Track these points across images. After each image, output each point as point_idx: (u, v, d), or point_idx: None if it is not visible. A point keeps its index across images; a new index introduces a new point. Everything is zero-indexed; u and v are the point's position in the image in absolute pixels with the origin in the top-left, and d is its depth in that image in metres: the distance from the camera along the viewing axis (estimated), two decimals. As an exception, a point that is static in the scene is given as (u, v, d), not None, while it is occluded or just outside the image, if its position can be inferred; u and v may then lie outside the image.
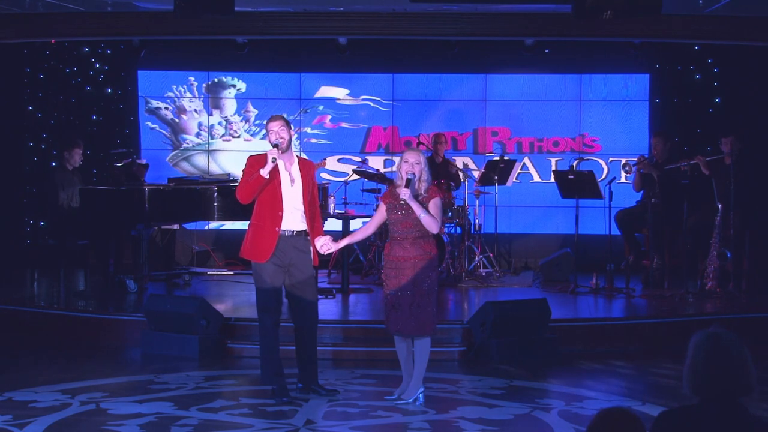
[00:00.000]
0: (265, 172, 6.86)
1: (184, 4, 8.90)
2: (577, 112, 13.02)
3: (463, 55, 12.57)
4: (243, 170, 7.10)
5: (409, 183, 6.88)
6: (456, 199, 11.36)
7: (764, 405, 5.98)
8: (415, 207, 6.86)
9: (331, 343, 8.69)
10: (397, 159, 12.86)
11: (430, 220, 6.89)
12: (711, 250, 10.43)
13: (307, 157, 7.58)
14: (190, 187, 10.58)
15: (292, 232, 7.01)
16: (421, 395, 7.03)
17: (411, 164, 6.94)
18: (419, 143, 11.82)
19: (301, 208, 7.05)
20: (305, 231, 7.07)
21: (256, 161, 7.01)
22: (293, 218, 7.04)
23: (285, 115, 7.38)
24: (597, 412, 3.18)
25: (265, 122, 7.24)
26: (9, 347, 8.95)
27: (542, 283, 11.36)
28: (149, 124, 13.23)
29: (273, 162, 6.87)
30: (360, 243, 11.35)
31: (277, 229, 6.97)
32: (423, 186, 6.97)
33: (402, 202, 6.90)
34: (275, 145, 6.92)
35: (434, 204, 6.94)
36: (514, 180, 12.18)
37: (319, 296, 9.62)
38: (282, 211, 6.99)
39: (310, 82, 13.17)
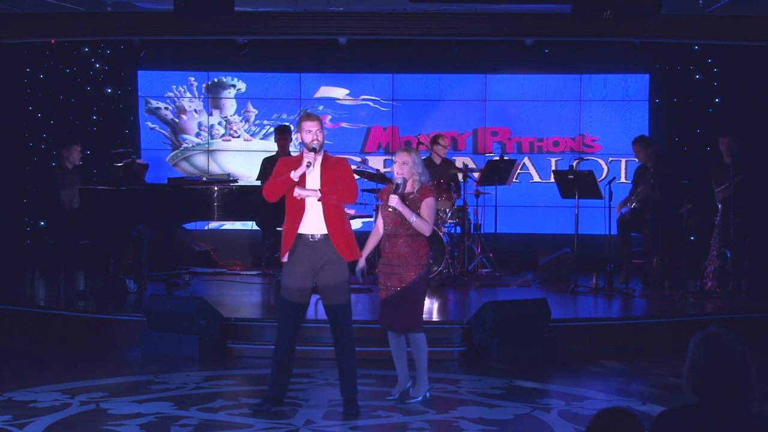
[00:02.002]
0: (295, 176, 6.62)
1: (184, 4, 8.91)
2: (577, 112, 13.02)
3: (463, 55, 12.56)
4: (267, 172, 6.82)
5: (398, 188, 6.85)
6: (456, 199, 11.36)
7: (765, 405, 5.97)
8: (404, 212, 6.82)
9: (330, 343, 8.67)
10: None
11: (420, 224, 6.84)
12: (711, 250, 10.43)
13: (339, 156, 7.22)
14: (190, 187, 10.58)
15: (312, 236, 6.73)
16: (428, 393, 7.03)
17: (399, 164, 6.91)
18: (419, 143, 11.83)
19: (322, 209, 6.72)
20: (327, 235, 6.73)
21: (284, 163, 6.82)
22: (315, 221, 6.74)
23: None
24: (596, 412, 3.18)
25: (298, 119, 6.91)
26: (9, 347, 8.94)
27: (542, 283, 11.35)
28: (149, 124, 13.23)
29: (308, 166, 6.64)
30: (360, 243, 11.34)
31: (297, 231, 6.72)
32: (415, 186, 6.93)
33: (390, 208, 6.87)
34: (312, 149, 6.66)
35: (426, 205, 6.88)
36: (514, 180, 12.17)
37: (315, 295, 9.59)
38: (303, 212, 6.72)
39: (310, 82, 13.16)
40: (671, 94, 12.81)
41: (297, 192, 6.69)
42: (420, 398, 7.02)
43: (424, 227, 6.86)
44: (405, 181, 6.92)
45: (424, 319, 9.34)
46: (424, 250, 6.97)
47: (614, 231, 11.22)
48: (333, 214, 6.72)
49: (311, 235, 6.72)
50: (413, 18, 10.91)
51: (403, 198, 6.88)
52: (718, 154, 10.99)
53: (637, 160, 11.42)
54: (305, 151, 6.73)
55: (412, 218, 6.81)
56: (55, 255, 11.05)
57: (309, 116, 6.85)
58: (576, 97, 13.02)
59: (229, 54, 12.59)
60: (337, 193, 6.71)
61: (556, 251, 11.90)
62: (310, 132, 6.71)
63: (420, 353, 7.00)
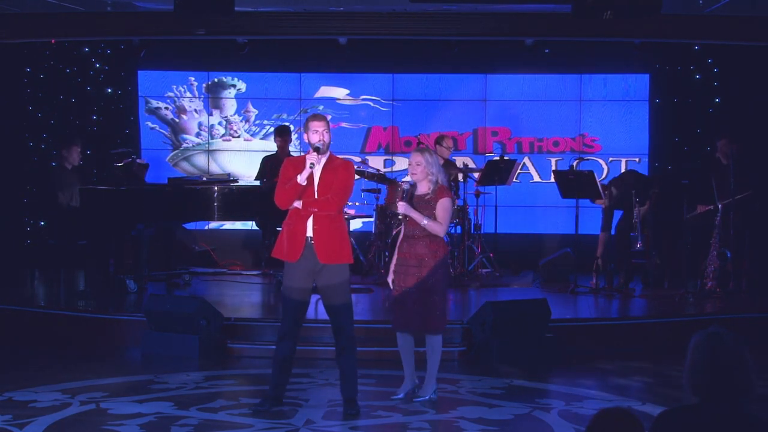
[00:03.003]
0: (302, 179, 6.62)
1: (184, 4, 8.92)
2: (577, 112, 13.02)
3: (463, 55, 12.55)
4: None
5: (404, 193, 6.85)
6: (456, 199, 11.37)
7: (764, 405, 5.98)
8: (415, 217, 6.82)
9: (330, 343, 8.68)
10: (396, 159, 12.97)
11: (433, 226, 6.83)
12: (711, 250, 10.43)
13: (345, 158, 7.13)
14: (190, 187, 10.58)
15: (312, 238, 6.69)
16: (435, 394, 7.04)
17: (413, 166, 6.92)
18: (419, 143, 11.81)
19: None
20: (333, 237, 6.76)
21: (291, 164, 6.80)
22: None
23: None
24: (596, 412, 3.18)
25: (306, 119, 6.88)
26: (9, 347, 8.94)
27: (542, 283, 11.35)
28: (149, 124, 13.23)
29: (311, 167, 6.63)
30: (360, 243, 11.37)
31: (304, 231, 6.68)
32: (430, 186, 6.91)
33: (400, 216, 6.88)
34: (316, 148, 6.65)
35: (441, 206, 6.86)
36: (514, 180, 12.16)
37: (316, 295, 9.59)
38: (309, 215, 6.70)
39: (310, 82, 13.16)
40: (671, 94, 12.80)
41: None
42: (426, 397, 7.02)
43: (438, 229, 6.85)
44: (412, 185, 6.91)
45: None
46: (443, 251, 6.97)
47: (613, 231, 11.21)
48: (320, 217, 6.70)
49: (310, 237, 6.72)
50: (413, 18, 10.91)
51: (411, 199, 6.86)
52: (715, 155, 11.01)
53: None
54: (310, 151, 6.72)
55: (424, 221, 6.82)
56: (55, 255, 11.05)
57: (316, 116, 6.84)
58: (576, 97, 13.02)
59: (229, 54, 12.59)
60: (317, 204, 6.69)
61: (556, 251, 11.91)
62: (317, 132, 6.70)
63: (435, 354, 7.02)
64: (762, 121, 12.10)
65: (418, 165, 6.89)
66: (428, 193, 6.91)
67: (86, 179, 11.73)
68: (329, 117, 12.88)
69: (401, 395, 7.09)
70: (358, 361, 6.91)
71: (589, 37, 11.53)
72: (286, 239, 6.77)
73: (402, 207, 6.82)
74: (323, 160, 6.75)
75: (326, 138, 6.71)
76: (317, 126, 6.72)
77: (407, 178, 7.03)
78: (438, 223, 6.85)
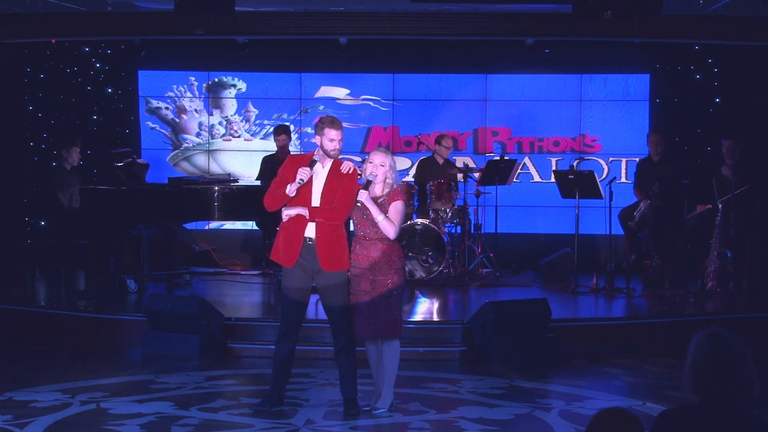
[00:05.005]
0: (290, 191, 6.61)
1: (184, 4, 8.92)
2: (578, 112, 13.02)
3: (463, 55, 12.56)
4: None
5: (369, 185, 6.67)
6: (457, 199, 11.36)
7: (764, 405, 5.98)
8: (372, 209, 6.62)
9: (330, 343, 8.67)
10: (397, 159, 12.94)
11: (386, 224, 6.63)
12: (711, 250, 10.43)
13: (345, 158, 7.11)
14: (191, 187, 10.58)
15: (311, 239, 6.69)
16: (393, 404, 6.82)
17: (375, 165, 6.70)
18: (419, 143, 11.81)
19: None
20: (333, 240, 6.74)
21: (292, 163, 6.78)
22: (314, 225, 6.69)
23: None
24: (596, 412, 3.18)
25: (320, 121, 6.83)
26: (9, 347, 8.94)
27: (542, 283, 11.35)
28: (149, 124, 13.23)
29: (300, 182, 6.60)
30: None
31: (302, 234, 6.68)
32: (386, 189, 6.73)
33: (359, 203, 6.73)
34: (332, 156, 6.66)
35: (394, 208, 6.67)
36: (514, 180, 12.16)
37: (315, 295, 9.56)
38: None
39: (311, 82, 13.16)
40: (671, 94, 12.80)
41: (285, 212, 6.68)
42: (387, 408, 6.81)
43: (390, 229, 6.63)
44: (375, 179, 6.71)
45: (425, 319, 9.43)
46: (397, 254, 6.75)
47: (617, 231, 11.20)
48: (323, 223, 6.68)
49: (309, 238, 6.71)
50: (413, 18, 10.91)
51: (375, 197, 6.74)
52: (718, 158, 11.00)
53: (650, 150, 11.33)
54: (318, 152, 6.70)
55: (380, 217, 6.61)
56: (55, 255, 11.05)
57: (334, 123, 6.75)
58: (576, 96, 13.02)
59: (229, 54, 12.60)
60: (324, 214, 6.67)
61: (556, 251, 11.90)
62: (333, 141, 6.68)
63: (392, 361, 6.77)
64: (762, 121, 12.09)
65: (382, 166, 6.70)
66: (382, 196, 6.72)
67: (86, 179, 11.73)
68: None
69: (371, 407, 6.84)
70: (358, 361, 6.91)
71: (589, 37, 11.53)
72: (283, 243, 6.76)
73: (364, 195, 6.62)
74: (328, 164, 6.74)
75: (340, 147, 6.72)
76: (335, 135, 6.69)
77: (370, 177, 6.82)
78: (391, 222, 6.65)
